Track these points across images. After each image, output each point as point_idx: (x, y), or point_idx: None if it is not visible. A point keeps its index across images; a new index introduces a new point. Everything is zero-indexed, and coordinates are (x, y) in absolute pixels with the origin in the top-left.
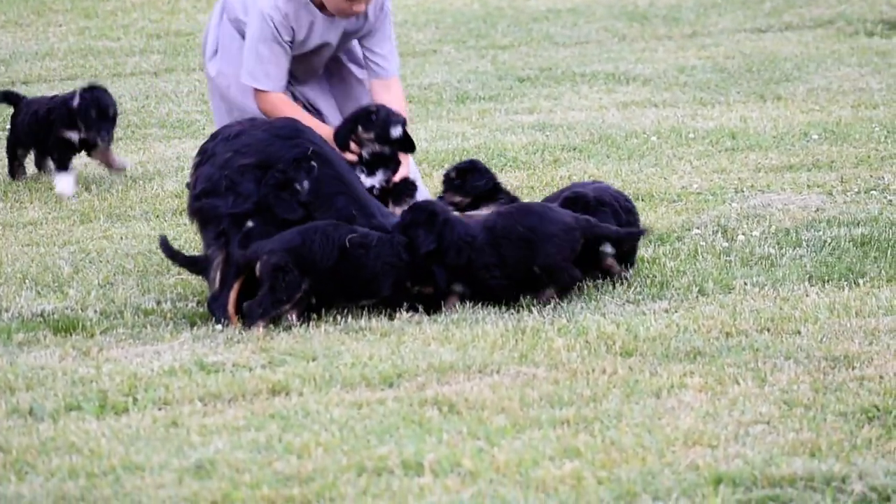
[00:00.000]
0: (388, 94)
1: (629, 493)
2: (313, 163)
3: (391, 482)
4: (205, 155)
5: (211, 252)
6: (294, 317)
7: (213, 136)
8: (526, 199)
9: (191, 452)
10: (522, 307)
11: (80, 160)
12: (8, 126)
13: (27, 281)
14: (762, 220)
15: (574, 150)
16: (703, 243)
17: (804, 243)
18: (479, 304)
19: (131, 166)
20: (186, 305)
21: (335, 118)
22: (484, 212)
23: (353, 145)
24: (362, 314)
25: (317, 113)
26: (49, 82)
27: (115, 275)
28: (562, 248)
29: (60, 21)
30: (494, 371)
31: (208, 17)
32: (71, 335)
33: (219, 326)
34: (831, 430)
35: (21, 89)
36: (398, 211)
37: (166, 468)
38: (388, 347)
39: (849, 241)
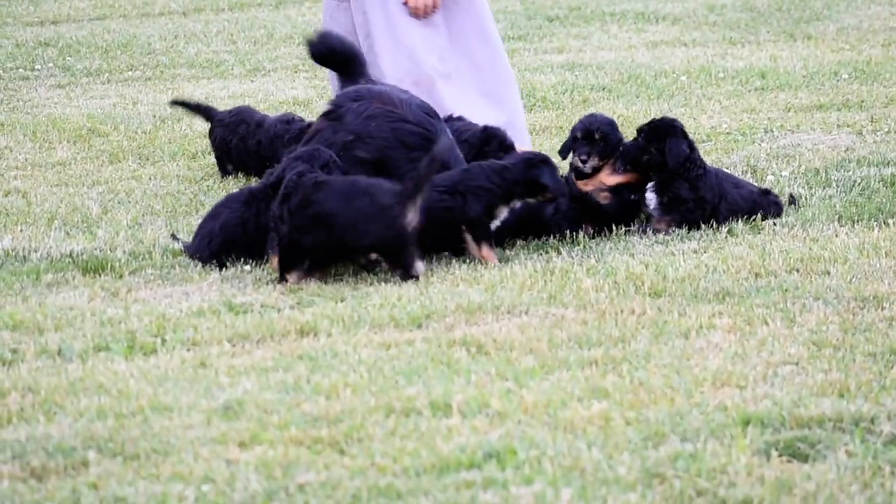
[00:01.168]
0: None
1: (657, 434)
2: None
3: (419, 423)
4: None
5: None
6: None
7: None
8: (556, 139)
9: (219, 393)
10: (551, 248)
11: (107, 100)
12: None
13: (56, 221)
14: (792, 160)
15: (603, 89)
16: None
17: (834, 183)
18: (508, 245)
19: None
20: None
21: None
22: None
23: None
24: None
25: None
26: (77, 22)
27: (143, 215)
28: None
29: None
30: (523, 312)
31: None
32: (100, 276)
33: (247, 267)
34: (860, 371)
35: (50, 29)
36: None
37: (194, 409)
38: (416, 288)
39: (878, 181)
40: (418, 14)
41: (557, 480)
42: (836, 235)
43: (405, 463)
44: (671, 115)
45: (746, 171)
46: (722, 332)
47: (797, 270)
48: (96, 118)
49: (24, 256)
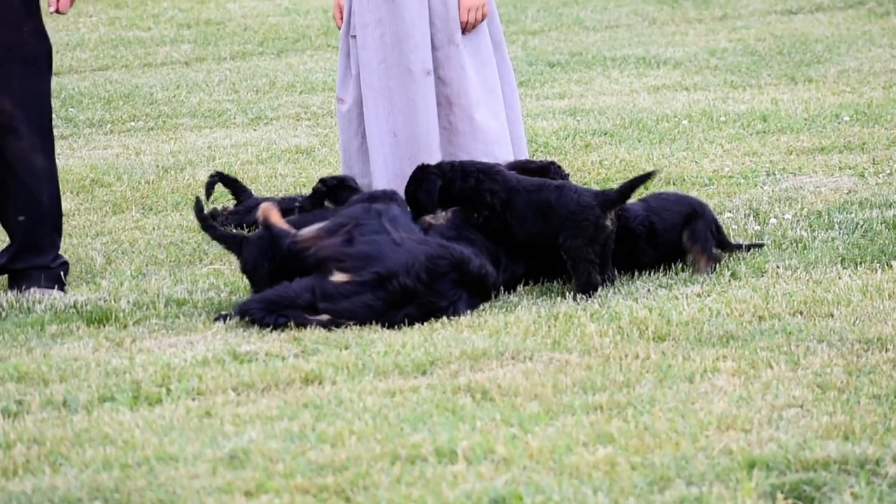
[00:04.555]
0: None
1: (663, 479)
2: None
3: (425, 470)
4: None
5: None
6: None
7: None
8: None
9: (224, 442)
10: (555, 292)
11: (109, 151)
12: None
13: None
14: (794, 202)
15: (605, 134)
16: (735, 227)
17: (836, 226)
18: (512, 291)
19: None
20: (219, 295)
21: None
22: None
23: None
24: None
25: None
26: (80, 73)
27: (147, 265)
28: None
29: (91, 11)
30: (527, 357)
31: None
32: (104, 326)
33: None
34: (865, 413)
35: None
36: None
37: (200, 458)
38: (420, 335)
39: (881, 223)
40: (467, 28)
41: None
42: (840, 278)
43: None
44: (674, 159)
45: (749, 215)
46: (726, 375)
47: (801, 313)
48: (99, 169)
49: (29, 308)
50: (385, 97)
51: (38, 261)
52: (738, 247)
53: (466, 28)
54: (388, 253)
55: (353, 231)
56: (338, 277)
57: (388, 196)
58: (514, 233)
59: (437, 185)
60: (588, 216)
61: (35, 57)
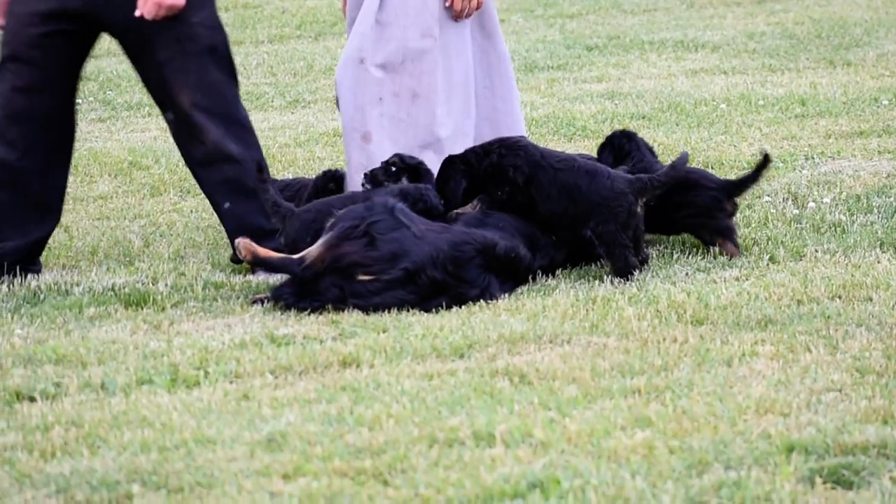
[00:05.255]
0: None
1: (701, 462)
2: None
3: (462, 453)
4: None
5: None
6: None
7: None
8: None
9: (262, 425)
10: (593, 276)
11: (147, 134)
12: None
13: (98, 255)
14: (833, 186)
15: (643, 118)
16: (774, 211)
17: (875, 209)
18: (550, 275)
19: None
20: (257, 277)
21: None
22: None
23: None
24: None
25: None
26: (118, 56)
27: (185, 248)
28: None
29: None
30: (565, 341)
31: None
32: (142, 309)
33: None
34: None
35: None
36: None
37: (238, 441)
38: (458, 318)
39: None
40: (461, 16)
41: None
42: (878, 261)
43: (449, 493)
44: (712, 143)
45: (787, 199)
46: (765, 359)
47: (839, 297)
48: (137, 151)
49: (67, 290)
50: (340, 84)
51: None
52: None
53: (460, 16)
54: (412, 248)
55: (370, 231)
56: (365, 278)
57: (420, 191)
58: (537, 209)
59: (462, 185)
60: (622, 203)
61: (211, 47)
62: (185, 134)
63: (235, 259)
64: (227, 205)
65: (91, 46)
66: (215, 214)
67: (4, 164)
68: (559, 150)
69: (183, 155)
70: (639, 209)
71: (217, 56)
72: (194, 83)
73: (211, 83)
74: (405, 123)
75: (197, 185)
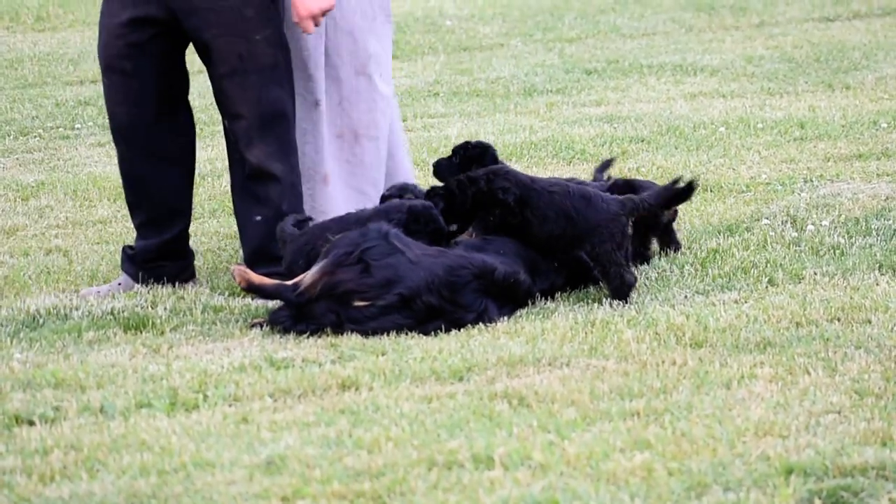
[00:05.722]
0: None
1: (700, 485)
2: None
3: (462, 476)
4: None
5: None
6: None
7: None
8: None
9: (261, 448)
10: (592, 299)
11: None
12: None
13: (97, 279)
14: (831, 209)
15: (642, 141)
16: (773, 233)
17: (874, 232)
18: (548, 298)
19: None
20: (255, 301)
21: None
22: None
23: None
24: None
25: None
26: None
27: None
28: None
29: None
30: (564, 364)
31: None
32: (141, 333)
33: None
34: None
35: (90, 88)
36: None
37: (237, 464)
38: (457, 341)
39: None
40: (309, 29)
41: None
42: (877, 284)
43: None
44: (711, 166)
45: (786, 221)
46: (764, 381)
47: (838, 319)
48: None
49: (66, 314)
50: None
51: (273, 268)
52: None
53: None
54: (407, 273)
55: (364, 257)
56: (361, 304)
57: (430, 212)
58: (533, 231)
59: (439, 207)
60: (617, 224)
61: (273, 65)
62: (233, 146)
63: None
64: (257, 217)
65: (182, 52)
66: (216, 237)
67: (123, 173)
68: (556, 175)
69: (230, 165)
70: (630, 229)
71: (278, 74)
72: (252, 99)
73: (268, 101)
74: (351, 164)
75: (196, 210)
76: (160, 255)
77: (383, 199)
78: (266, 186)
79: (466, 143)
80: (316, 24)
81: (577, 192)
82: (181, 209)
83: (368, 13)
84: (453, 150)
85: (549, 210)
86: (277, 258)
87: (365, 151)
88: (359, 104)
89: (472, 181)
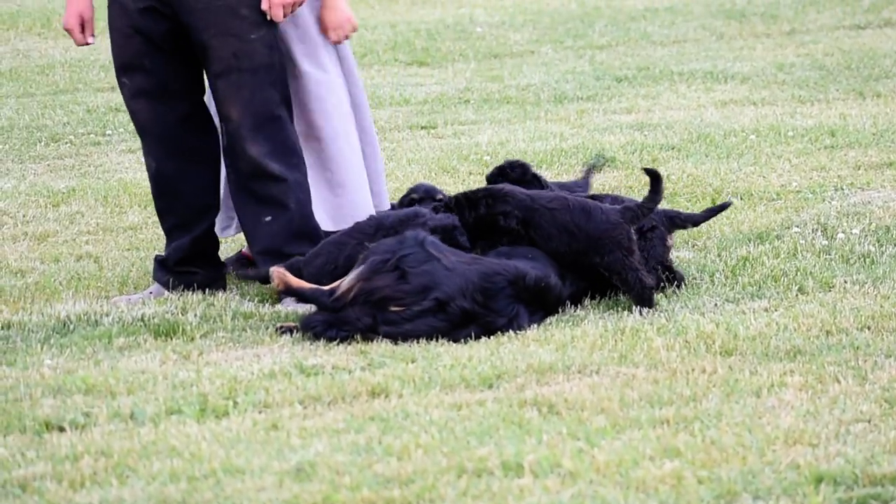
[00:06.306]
0: None
1: (730, 493)
2: None
3: (491, 483)
4: None
5: None
6: None
7: None
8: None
9: (291, 455)
10: (622, 307)
11: None
12: None
13: (128, 285)
14: (862, 217)
15: (672, 149)
16: (803, 241)
17: None
18: (578, 305)
19: None
20: (285, 307)
21: None
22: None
23: None
24: None
25: None
26: None
27: None
28: None
29: None
30: (594, 371)
31: None
32: (171, 339)
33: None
34: None
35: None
36: None
37: (267, 471)
38: (486, 349)
39: None
40: (277, 16)
41: None
42: None
43: None
44: (741, 174)
45: (817, 230)
46: (793, 390)
47: (868, 328)
48: None
49: (96, 321)
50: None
51: None
52: None
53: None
54: (443, 279)
55: (400, 265)
56: (397, 309)
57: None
58: (539, 248)
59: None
60: (620, 232)
61: (267, 66)
62: (229, 146)
63: (244, 274)
64: (267, 218)
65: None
66: (243, 245)
67: (151, 175)
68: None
69: (226, 167)
70: (634, 235)
71: (272, 75)
72: (246, 99)
73: (262, 101)
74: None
75: None
76: (192, 255)
77: (409, 202)
78: (267, 186)
79: (503, 169)
80: (285, 15)
81: (576, 206)
82: (210, 206)
83: None
84: (489, 178)
85: (552, 228)
86: (287, 258)
87: (310, 154)
88: (305, 104)
89: (471, 203)
